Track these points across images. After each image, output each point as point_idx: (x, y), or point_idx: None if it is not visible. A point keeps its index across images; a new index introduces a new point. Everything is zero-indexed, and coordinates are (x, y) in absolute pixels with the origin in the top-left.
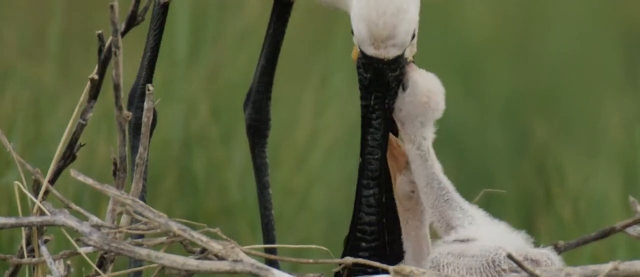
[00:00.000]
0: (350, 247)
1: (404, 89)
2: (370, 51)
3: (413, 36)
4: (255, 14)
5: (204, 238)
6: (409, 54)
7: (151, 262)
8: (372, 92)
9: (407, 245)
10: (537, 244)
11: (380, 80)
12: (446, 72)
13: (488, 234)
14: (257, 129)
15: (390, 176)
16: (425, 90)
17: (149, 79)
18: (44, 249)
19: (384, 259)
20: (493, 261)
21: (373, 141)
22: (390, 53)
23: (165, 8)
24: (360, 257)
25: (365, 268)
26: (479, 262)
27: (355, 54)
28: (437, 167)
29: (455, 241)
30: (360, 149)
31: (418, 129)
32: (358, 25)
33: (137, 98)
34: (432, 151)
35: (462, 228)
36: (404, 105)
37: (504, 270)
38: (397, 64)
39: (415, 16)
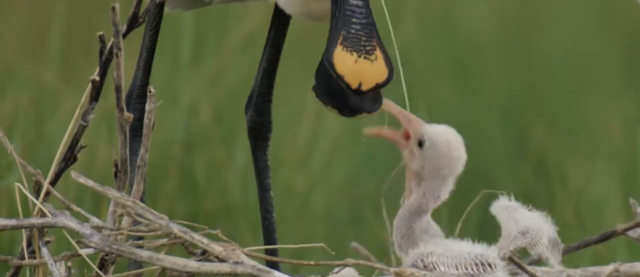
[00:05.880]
0: (339, 22)
1: (421, 146)
2: None
3: None
4: (260, 18)
5: (205, 240)
6: None
7: (152, 264)
8: None
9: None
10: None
11: None
12: (445, 72)
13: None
14: (259, 132)
15: None
16: (444, 140)
17: (145, 80)
18: (44, 250)
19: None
20: (482, 255)
21: None
22: None
23: (160, 8)
24: (352, 29)
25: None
26: (466, 257)
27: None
28: (419, 228)
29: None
30: None
31: (440, 185)
32: None
33: (134, 99)
34: (429, 213)
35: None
36: (426, 160)
37: (492, 265)
38: None
39: None
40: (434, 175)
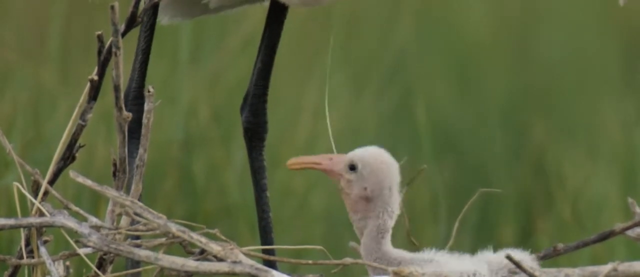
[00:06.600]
0: None
1: (354, 169)
2: None
3: None
4: (258, 19)
5: (203, 239)
6: None
7: (150, 264)
8: None
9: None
10: (536, 246)
11: None
12: (444, 73)
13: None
14: (255, 132)
15: None
16: (372, 156)
17: (141, 81)
18: (43, 250)
19: None
20: (474, 273)
21: None
22: None
23: (155, 9)
24: None
25: None
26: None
27: None
28: (388, 244)
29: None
30: None
31: (389, 198)
32: None
33: (130, 101)
34: (390, 231)
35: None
36: (365, 180)
37: None
38: None
39: None
40: (379, 189)
